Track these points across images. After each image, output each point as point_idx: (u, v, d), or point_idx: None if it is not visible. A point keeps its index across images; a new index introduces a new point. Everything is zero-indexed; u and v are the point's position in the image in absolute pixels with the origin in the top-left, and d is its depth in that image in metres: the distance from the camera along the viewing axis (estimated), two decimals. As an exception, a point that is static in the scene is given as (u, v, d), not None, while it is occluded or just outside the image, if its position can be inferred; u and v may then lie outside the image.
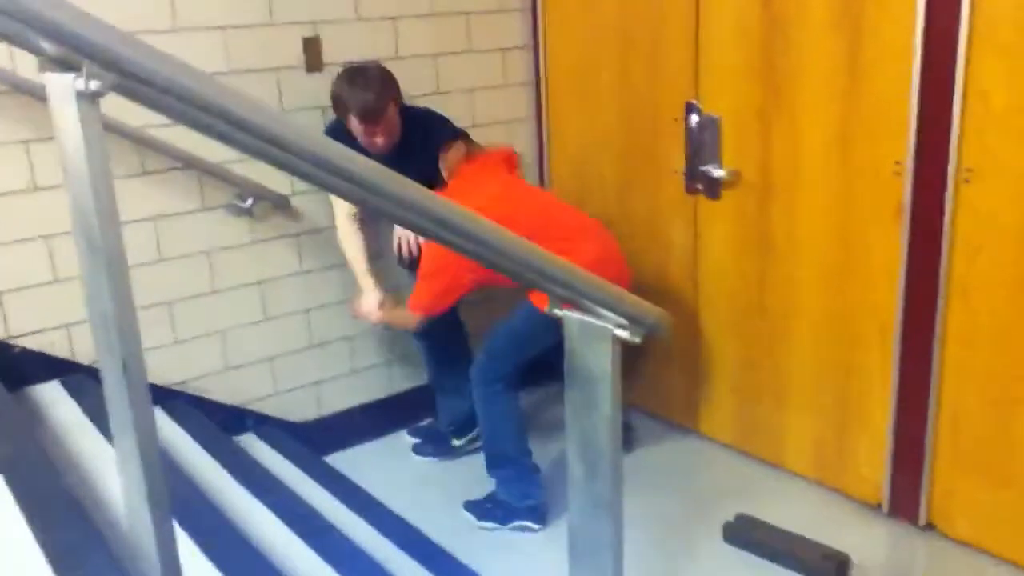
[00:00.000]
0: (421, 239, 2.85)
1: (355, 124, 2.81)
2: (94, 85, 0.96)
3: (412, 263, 2.93)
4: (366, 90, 2.78)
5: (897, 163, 2.50)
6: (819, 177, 2.72)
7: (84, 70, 0.95)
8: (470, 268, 2.67)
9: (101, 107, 1.01)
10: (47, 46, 0.97)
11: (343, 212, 3.08)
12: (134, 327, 1.16)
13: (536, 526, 2.83)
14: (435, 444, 3.38)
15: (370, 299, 3.03)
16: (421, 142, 2.92)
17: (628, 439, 3.23)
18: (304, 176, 1.15)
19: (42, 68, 1.03)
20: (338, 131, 2.87)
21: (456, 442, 3.36)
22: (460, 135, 3.02)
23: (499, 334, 2.89)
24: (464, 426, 3.31)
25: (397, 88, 2.90)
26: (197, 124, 1.08)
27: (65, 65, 0.99)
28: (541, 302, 2.62)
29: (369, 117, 2.79)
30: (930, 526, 2.69)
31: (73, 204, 1.11)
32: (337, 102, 2.85)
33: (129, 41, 0.95)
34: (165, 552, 1.25)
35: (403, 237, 3.02)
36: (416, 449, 3.40)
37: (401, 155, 2.81)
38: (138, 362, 1.17)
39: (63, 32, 0.92)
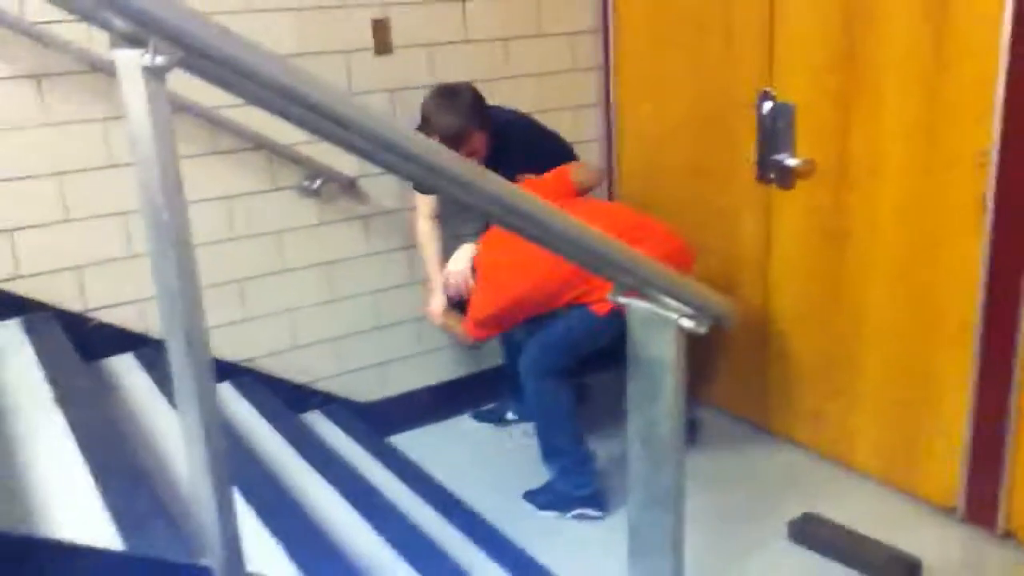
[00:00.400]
0: (471, 281, 2.91)
1: None
2: (160, 60, 0.96)
3: (459, 303, 2.98)
4: (453, 115, 2.81)
5: (982, 153, 2.39)
6: (899, 167, 2.62)
7: (151, 45, 0.96)
8: (512, 320, 2.85)
9: (173, 85, 1.02)
10: (117, 21, 0.98)
11: (424, 212, 3.13)
12: (198, 303, 1.17)
13: (597, 513, 2.82)
14: None
15: (436, 302, 3.09)
16: (509, 161, 2.87)
17: (692, 434, 3.18)
18: (366, 155, 1.15)
19: (113, 44, 1.05)
20: None
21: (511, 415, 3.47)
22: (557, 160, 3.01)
23: (555, 331, 2.83)
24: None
25: (486, 114, 2.90)
26: (261, 102, 1.09)
27: (134, 41, 1.00)
28: (601, 309, 2.66)
29: (451, 143, 2.77)
30: (1009, 534, 2.59)
31: (140, 179, 1.12)
32: (424, 121, 2.87)
33: (194, 17, 0.96)
34: (225, 523, 1.26)
35: (452, 276, 2.96)
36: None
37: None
38: (202, 337, 1.18)
39: (131, 6, 0.92)
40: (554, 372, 2.81)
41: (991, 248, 2.43)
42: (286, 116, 1.11)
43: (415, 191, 3.12)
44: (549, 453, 2.89)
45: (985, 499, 2.61)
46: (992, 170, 2.38)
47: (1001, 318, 2.45)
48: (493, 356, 3.55)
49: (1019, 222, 2.35)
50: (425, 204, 3.12)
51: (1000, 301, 2.45)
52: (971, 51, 2.37)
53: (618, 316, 2.58)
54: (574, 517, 2.83)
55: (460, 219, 3.18)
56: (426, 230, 3.15)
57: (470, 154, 2.85)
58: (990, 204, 2.40)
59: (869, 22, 2.60)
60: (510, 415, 3.49)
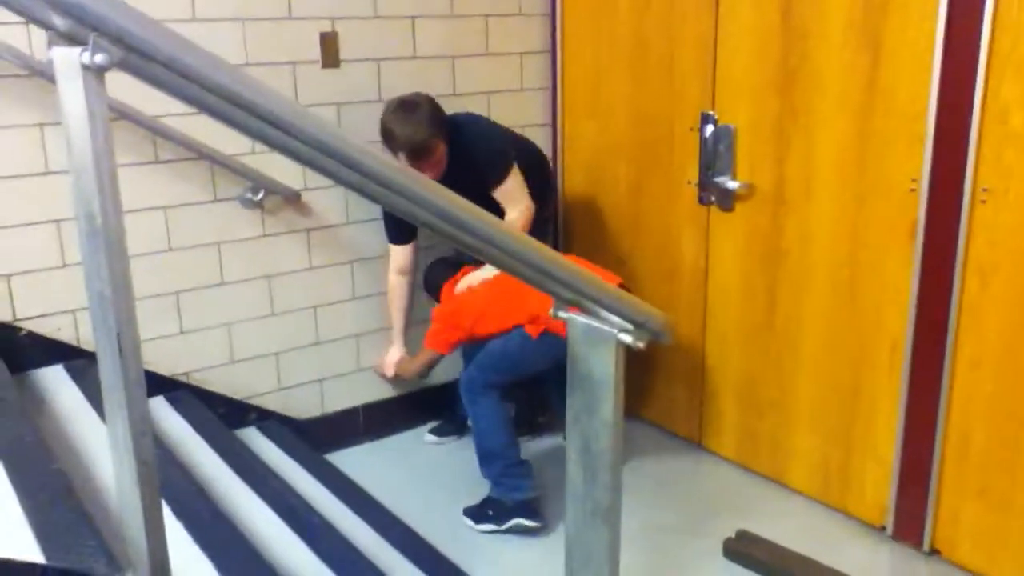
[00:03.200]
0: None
1: (402, 159, 2.85)
2: (100, 59, 0.95)
3: None
4: (417, 129, 2.81)
5: (913, 180, 2.47)
6: (834, 192, 2.70)
7: (90, 43, 0.94)
8: (458, 326, 2.99)
9: (113, 91, 1.00)
10: (56, 18, 0.97)
11: (393, 266, 3.21)
12: (131, 309, 1.14)
13: (532, 523, 2.82)
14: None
15: (392, 354, 3.28)
16: (468, 174, 2.88)
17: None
18: (307, 162, 1.14)
19: (51, 43, 1.03)
20: None
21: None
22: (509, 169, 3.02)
23: (492, 350, 2.93)
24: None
25: (446, 124, 2.91)
26: (203, 107, 1.07)
27: (73, 39, 0.98)
28: (533, 330, 2.82)
29: (417, 155, 2.84)
30: (934, 551, 2.65)
31: (75, 182, 1.10)
32: (386, 135, 2.88)
33: (136, 15, 0.94)
34: (153, 537, 1.23)
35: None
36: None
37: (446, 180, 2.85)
38: (133, 344, 1.16)
39: (71, 2, 0.91)
40: (489, 389, 2.90)
41: (921, 272, 2.51)
42: (229, 122, 1.10)
43: (390, 243, 3.19)
44: (485, 459, 2.92)
45: (913, 518, 2.68)
46: (922, 197, 2.46)
47: (930, 341, 2.53)
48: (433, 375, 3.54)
49: (948, 248, 2.43)
50: (395, 257, 3.18)
51: (929, 325, 2.52)
52: (904, 83, 2.46)
53: (549, 340, 2.74)
54: (511, 529, 2.82)
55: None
56: (394, 283, 3.22)
57: (432, 167, 2.87)
58: (920, 230, 2.48)
59: (804, 48, 2.68)
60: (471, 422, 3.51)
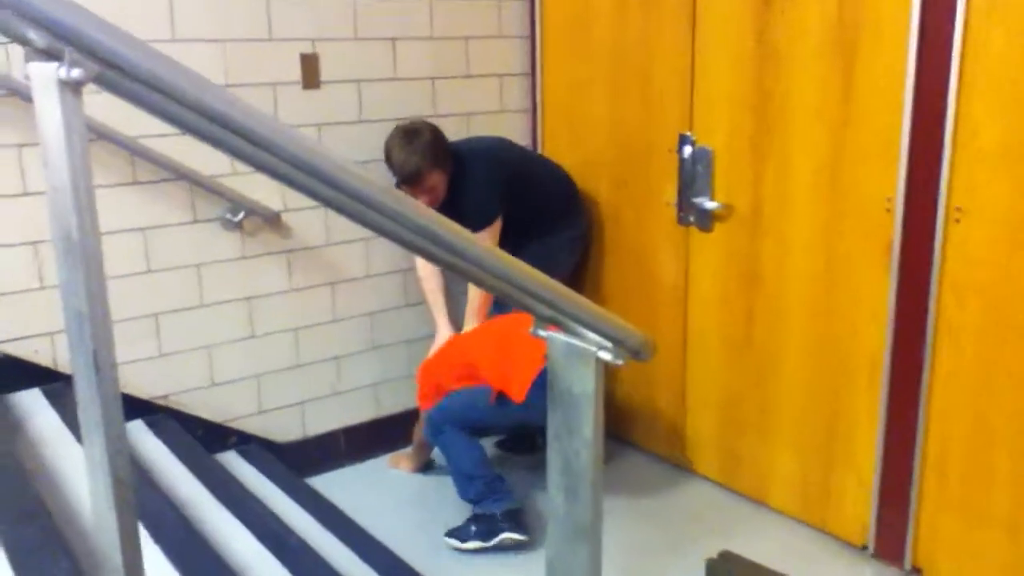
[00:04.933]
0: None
1: (397, 182, 2.95)
2: (76, 74, 0.94)
3: None
4: (410, 157, 2.90)
5: (888, 200, 2.50)
6: (810, 212, 2.72)
7: (67, 58, 0.94)
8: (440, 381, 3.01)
9: (92, 111, 1.00)
10: (32, 34, 0.96)
11: None
12: (107, 326, 1.13)
13: (520, 536, 2.82)
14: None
15: (440, 337, 3.21)
16: (456, 212, 2.90)
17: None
18: (286, 180, 1.14)
19: (28, 58, 1.02)
20: None
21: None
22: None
23: (480, 396, 2.93)
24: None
25: (448, 156, 2.97)
26: (180, 122, 1.07)
27: (50, 54, 0.98)
28: (517, 397, 2.81)
29: (408, 181, 2.92)
30: (915, 569, 2.65)
31: (52, 198, 1.09)
32: (386, 157, 2.99)
33: (112, 30, 0.95)
34: (129, 559, 1.21)
35: None
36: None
37: (444, 208, 2.92)
38: (110, 363, 1.14)
39: (46, 17, 0.91)
40: (450, 428, 2.91)
41: (898, 291, 2.53)
42: (207, 139, 1.10)
43: None
44: (464, 482, 2.91)
45: (894, 536, 2.68)
46: (898, 216, 2.49)
47: (908, 359, 2.55)
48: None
49: (924, 266, 2.46)
50: None
51: (907, 342, 2.54)
52: (878, 103, 2.49)
53: (526, 407, 2.74)
54: (499, 543, 2.81)
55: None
56: (424, 264, 3.20)
57: (428, 191, 2.93)
58: (896, 249, 2.51)
59: (779, 70, 2.71)
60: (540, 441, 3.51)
